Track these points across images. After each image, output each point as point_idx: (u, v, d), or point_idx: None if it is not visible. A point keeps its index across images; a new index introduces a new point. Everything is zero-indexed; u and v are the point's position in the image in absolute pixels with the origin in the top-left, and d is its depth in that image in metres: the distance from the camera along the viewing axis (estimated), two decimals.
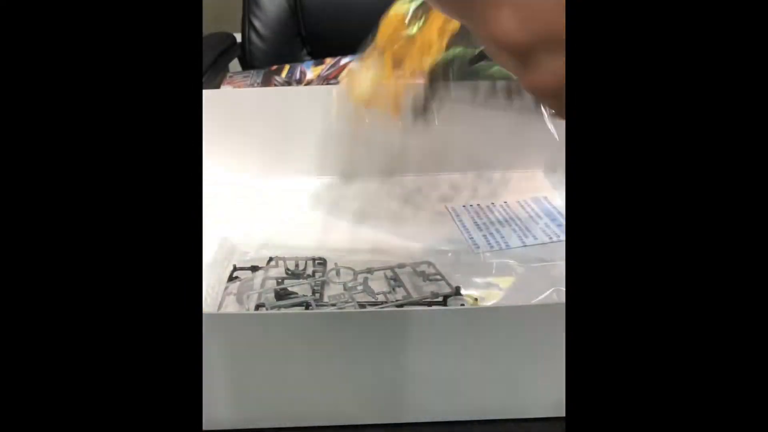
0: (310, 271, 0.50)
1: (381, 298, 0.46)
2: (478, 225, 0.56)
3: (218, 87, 1.02)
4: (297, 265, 0.50)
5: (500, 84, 0.50)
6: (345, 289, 0.46)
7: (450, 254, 0.52)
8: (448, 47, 0.50)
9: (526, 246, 0.53)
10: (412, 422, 0.37)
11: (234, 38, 1.28)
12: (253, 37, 1.27)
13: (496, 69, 0.50)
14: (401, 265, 0.49)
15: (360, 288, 0.47)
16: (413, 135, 0.53)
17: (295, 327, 0.35)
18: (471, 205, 0.59)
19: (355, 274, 0.48)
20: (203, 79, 1.05)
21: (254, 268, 0.50)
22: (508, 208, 0.59)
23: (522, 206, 0.59)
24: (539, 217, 0.57)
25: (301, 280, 0.48)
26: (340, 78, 0.53)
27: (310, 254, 0.51)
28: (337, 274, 0.48)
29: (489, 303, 0.46)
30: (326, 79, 1.02)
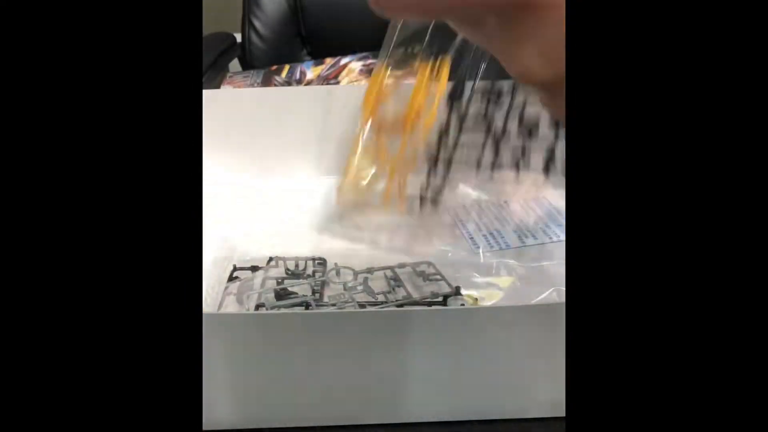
0: (310, 271, 0.50)
1: (381, 298, 0.46)
2: (478, 225, 0.56)
3: (218, 87, 1.02)
4: (297, 265, 0.50)
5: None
6: (345, 289, 0.46)
7: (450, 254, 0.52)
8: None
9: (526, 246, 0.53)
10: (411, 422, 0.37)
11: (234, 38, 1.29)
12: (253, 37, 1.27)
13: None
14: (401, 265, 0.49)
15: (360, 288, 0.47)
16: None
17: (295, 327, 0.35)
18: (471, 205, 0.59)
19: (355, 274, 0.48)
20: (203, 79, 1.05)
21: (254, 268, 0.50)
22: (508, 208, 0.59)
23: (522, 206, 0.59)
24: (539, 217, 0.57)
25: (301, 280, 0.48)
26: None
27: (310, 254, 0.51)
28: (337, 274, 0.48)
29: (489, 303, 0.46)
30: (326, 79, 1.02)
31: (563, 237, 0.54)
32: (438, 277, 0.48)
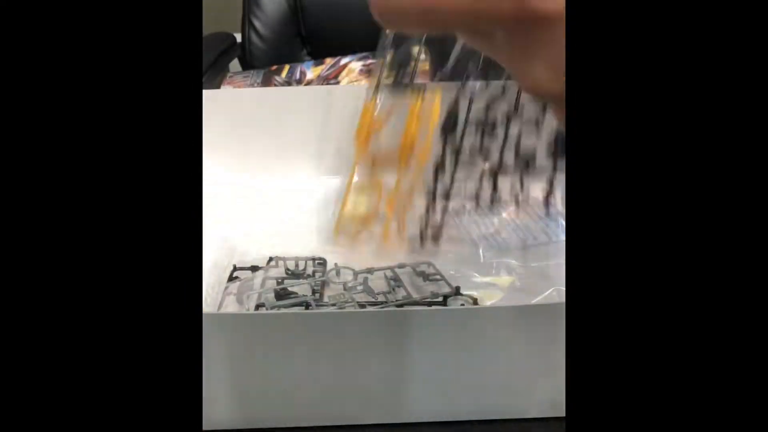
0: (310, 271, 0.50)
1: (381, 298, 0.46)
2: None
3: (218, 87, 1.02)
4: (297, 265, 0.50)
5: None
6: (345, 289, 0.46)
7: (450, 254, 0.52)
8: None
9: (526, 246, 0.53)
10: (411, 422, 0.37)
11: (234, 38, 1.28)
12: (253, 37, 1.27)
13: None
14: (401, 265, 0.49)
15: (360, 288, 0.47)
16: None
17: (295, 327, 0.35)
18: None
19: (355, 274, 0.48)
20: (203, 79, 1.05)
21: (254, 268, 0.50)
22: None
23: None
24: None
25: (301, 280, 0.48)
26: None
27: (310, 254, 0.51)
28: (337, 274, 0.48)
29: (489, 303, 0.46)
30: (326, 79, 1.02)
31: (563, 237, 0.54)
32: (438, 277, 0.48)
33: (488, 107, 0.48)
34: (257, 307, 0.44)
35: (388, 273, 0.49)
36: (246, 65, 1.28)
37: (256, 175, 0.61)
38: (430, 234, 0.50)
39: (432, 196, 0.49)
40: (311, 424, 0.37)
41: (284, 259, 0.50)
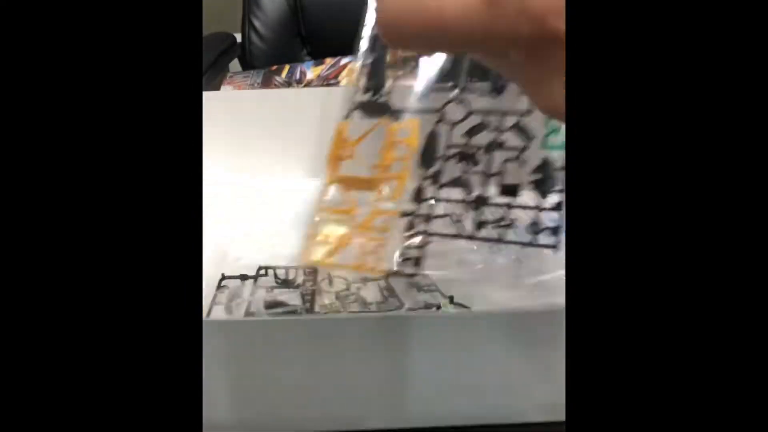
0: (300, 280, 0.48)
1: (373, 308, 0.44)
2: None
3: (218, 87, 1.02)
4: (287, 274, 0.48)
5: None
6: (337, 298, 0.45)
7: (446, 260, 0.51)
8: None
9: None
10: (410, 428, 0.37)
11: (234, 38, 1.28)
12: (253, 37, 1.27)
13: None
14: (395, 274, 0.48)
15: (352, 298, 0.45)
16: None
17: (294, 332, 0.35)
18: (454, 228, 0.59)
19: (348, 283, 0.47)
20: (203, 79, 1.05)
21: (243, 277, 0.48)
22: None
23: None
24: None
25: (291, 289, 0.46)
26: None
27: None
28: (330, 283, 0.47)
29: (486, 307, 0.45)
30: (326, 79, 1.02)
31: (563, 241, 0.54)
32: (432, 287, 0.47)
33: (471, 133, 0.48)
34: (246, 316, 0.43)
35: (381, 283, 0.47)
36: (246, 65, 1.28)
37: (256, 175, 0.61)
38: (413, 256, 0.48)
39: (411, 222, 0.48)
40: (310, 429, 0.37)
41: (274, 268, 0.48)
